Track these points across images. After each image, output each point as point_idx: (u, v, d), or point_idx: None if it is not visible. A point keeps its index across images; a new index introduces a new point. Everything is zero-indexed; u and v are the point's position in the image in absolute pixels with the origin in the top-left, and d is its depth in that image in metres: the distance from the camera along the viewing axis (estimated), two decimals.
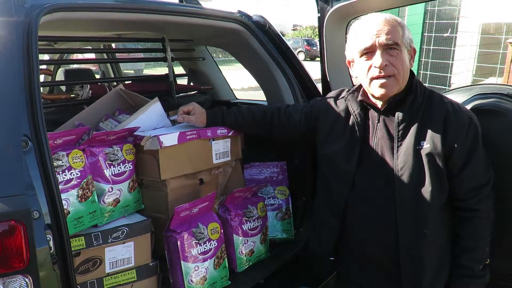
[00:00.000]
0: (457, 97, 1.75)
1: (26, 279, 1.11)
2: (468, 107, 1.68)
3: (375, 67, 1.42)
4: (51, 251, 1.16)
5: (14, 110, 1.19)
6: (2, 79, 1.21)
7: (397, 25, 1.43)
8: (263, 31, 2.25)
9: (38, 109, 1.22)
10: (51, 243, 1.16)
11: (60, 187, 1.31)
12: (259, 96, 3.02)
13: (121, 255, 1.64)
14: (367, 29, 1.43)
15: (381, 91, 1.45)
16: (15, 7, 1.30)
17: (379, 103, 1.52)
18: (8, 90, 1.21)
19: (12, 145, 1.15)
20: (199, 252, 1.71)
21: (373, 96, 1.52)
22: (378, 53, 1.42)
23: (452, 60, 9.33)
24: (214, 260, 1.76)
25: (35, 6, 1.34)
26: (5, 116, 1.18)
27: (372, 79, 1.45)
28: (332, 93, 1.77)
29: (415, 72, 1.56)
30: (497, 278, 1.57)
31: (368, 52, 1.44)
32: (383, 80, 1.43)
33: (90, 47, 3.30)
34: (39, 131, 1.20)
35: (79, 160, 1.55)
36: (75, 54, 4.76)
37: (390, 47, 1.41)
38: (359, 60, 1.48)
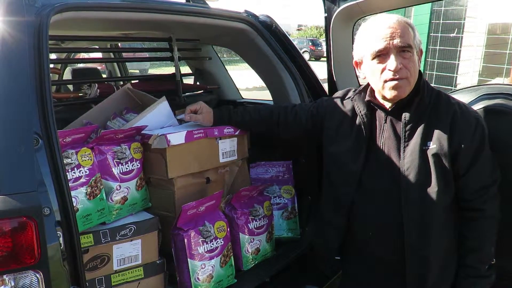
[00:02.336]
0: (464, 97, 1.75)
1: (37, 275, 1.13)
2: (475, 107, 1.68)
3: (390, 70, 1.41)
4: (61, 248, 1.18)
5: (26, 108, 1.21)
6: (14, 78, 1.23)
7: (408, 26, 1.42)
8: (269, 31, 2.26)
9: (49, 107, 1.24)
10: (61, 239, 1.18)
11: (69, 184, 1.33)
12: (264, 96, 3.03)
13: (128, 252, 1.65)
14: (380, 31, 1.41)
15: (394, 93, 1.44)
16: (26, 6, 1.32)
17: (387, 104, 1.52)
18: (20, 89, 1.22)
19: (23, 143, 1.16)
20: (206, 250, 1.73)
21: (384, 98, 1.51)
22: (392, 56, 1.40)
23: (458, 60, 9.29)
24: (221, 258, 1.78)
25: (46, 5, 1.36)
26: (16, 114, 1.20)
27: (385, 81, 1.44)
28: (338, 93, 1.77)
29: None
30: (499, 278, 1.57)
31: (381, 55, 1.42)
32: (396, 82, 1.41)
33: (98, 47, 3.33)
34: (49, 129, 1.22)
35: (87, 158, 1.57)
36: (82, 53, 4.80)
37: (403, 50, 1.40)
38: (370, 62, 1.46)
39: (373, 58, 1.44)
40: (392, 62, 1.40)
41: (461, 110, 1.46)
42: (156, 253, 1.75)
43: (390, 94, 1.45)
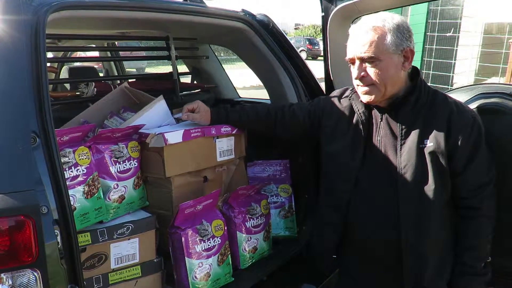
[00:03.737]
0: (460, 97, 1.76)
1: (35, 273, 1.13)
2: (471, 106, 1.69)
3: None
4: (58, 246, 1.18)
5: (23, 107, 1.21)
6: (11, 76, 1.22)
7: (381, 33, 1.42)
8: (267, 30, 2.26)
9: (46, 106, 1.23)
10: (58, 238, 1.18)
11: (66, 183, 1.32)
12: (261, 95, 3.04)
13: (126, 251, 1.65)
14: (352, 40, 1.50)
15: (365, 98, 1.52)
16: (23, 5, 1.31)
17: (382, 102, 1.53)
18: (17, 87, 1.22)
19: (21, 142, 1.16)
20: (203, 248, 1.73)
21: None
22: (356, 64, 1.48)
23: (455, 59, 9.32)
24: (218, 256, 1.78)
25: (43, 4, 1.35)
26: (14, 113, 1.19)
27: (357, 85, 1.53)
28: (335, 92, 1.78)
29: None
30: (498, 277, 1.58)
31: (352, 62, 1.51)
32: (364, 88, 1.49)
33: (95, 45, 3.32)
34: (47, 127, 1.22)
35: (85, 157, 1.57)
36: (78, 52, 4.79)
37: (366, 60, 1.45)
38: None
39: (349, 64, 1.53)
40: (354, 70, 1.49)
41: (458, 109, 1.47)
42: (153, 251, 1.75)
43: (362, 98, 1.53)
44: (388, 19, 1.45)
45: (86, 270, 1.54)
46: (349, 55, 1.50)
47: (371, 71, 1.45)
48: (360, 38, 1.45)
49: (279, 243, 2.21)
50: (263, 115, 1.91)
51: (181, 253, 1.68)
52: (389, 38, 1.43)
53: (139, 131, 1.81)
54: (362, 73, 1.47)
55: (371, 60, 1.44)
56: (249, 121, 1.94)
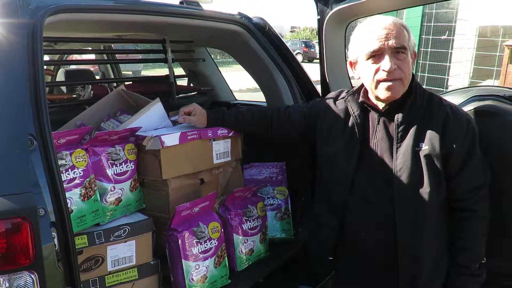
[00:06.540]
0: (454, 99, 1.77)
1: (32, 276, 1.13)
2: (465, 108, 1.70)
3: (384, 70, 1.42)
4: (56, 248, 1.18)
5: (20, 110, 1.21)
6: (8, 79, 1.23)
7: (404, 28, 1.44)
8: (262, 33, 2.27)
9: (43, 108, 1.24)
10: (55, 240, 1.18)
11: (63, 186, 1.32)
12: (257, 97, 3.05)
13: (122, 253, 1.65)
14: (376, 32, 1.43)
15: (388, 94, 1.45)
16: (20, 8, 1.31)
17: (380, 105, 1.54)
18: (14, 90, 1.22)
19: (18, 144, 1.17)
20: (200, 251, 1.73)
21: (377, 98, 1.52)
22: (387, 56, 1.42)
23: (450, 62, 9.39)
24: (215, 259, 1.78)
25: (40, 7, 1.36)
26: (11, 116, 1.20)
27: (378, 81, 1.45)
28: (331, 94, 1.79)
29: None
30: (497, 278, 1.59)
31: (376, 55, 1.44)
32: (390, 83, 1.43)
33: (91, 48, 3.32)
34: (44, 130, 1.22)
35: (82, 159, 1.57)
36: (74, 55, 4.78)
37: (398, 51, 1.42)
38: (365, 62, 1.48)
39: (368, 58, 1.46)
40: (386, 62, 1.42)
41: (453, 112, 1.48)
42: (150, 254, 1.75)
43: (383, 94, 1.46)
44: (401, 20, 1.47)
45: (83, 273, 1.54)
46: (374, 46, 1.42)
47: (400, 63, 1.42)
48: (391, 30, 1.41)
49: (276, 245, 2.21)
50: (259, 117, 1.92)
51: (178, 255, 1.69)
52: (411, 36, 1.45)
53: (136, 133, 1.81)
54: (395, 66, 1.41)
55: (403, 51, 1.42)
56: (245, 123, 1.95)
